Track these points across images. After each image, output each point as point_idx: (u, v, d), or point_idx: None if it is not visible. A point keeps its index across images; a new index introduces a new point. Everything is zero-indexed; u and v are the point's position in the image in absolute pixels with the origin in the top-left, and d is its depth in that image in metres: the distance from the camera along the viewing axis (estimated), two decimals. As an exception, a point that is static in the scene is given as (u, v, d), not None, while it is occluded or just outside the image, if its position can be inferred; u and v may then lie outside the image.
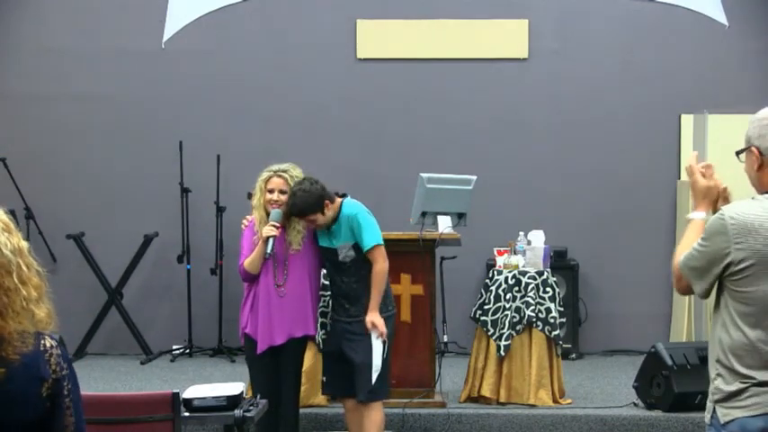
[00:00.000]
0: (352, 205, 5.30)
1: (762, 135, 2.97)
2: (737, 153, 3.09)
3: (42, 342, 2.20)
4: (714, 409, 2.94)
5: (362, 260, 5.25)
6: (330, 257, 5.31)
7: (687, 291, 3.09)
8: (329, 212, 5.22)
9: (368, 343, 5.22)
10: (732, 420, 2.88)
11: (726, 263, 2.90)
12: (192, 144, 8.24)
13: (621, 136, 8.45)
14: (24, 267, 2.20)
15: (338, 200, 5.29)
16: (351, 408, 5.45)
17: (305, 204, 5.12)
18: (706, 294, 3.02)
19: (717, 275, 2.94)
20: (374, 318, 5.21)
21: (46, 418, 2.21)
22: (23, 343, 2.15)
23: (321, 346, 6.04)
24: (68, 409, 2.23)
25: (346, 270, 5.28)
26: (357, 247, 5.23)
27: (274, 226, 5.18)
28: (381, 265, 5.22)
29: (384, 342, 5.24)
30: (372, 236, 5.23)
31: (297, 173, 5.32)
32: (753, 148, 3.00)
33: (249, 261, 5.26)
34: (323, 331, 5.66)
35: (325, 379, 5.47)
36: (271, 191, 5.27)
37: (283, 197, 5.26)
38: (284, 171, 5.30)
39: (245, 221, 5.41)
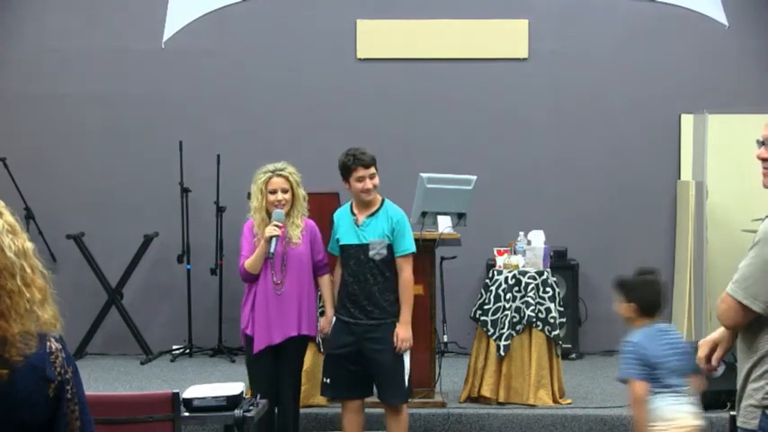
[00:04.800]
0: (397, 208, 5.38)
1: None
2: (761, 142, 3.06)
3: (48, 344, 2.20)
4: (764, 412, 2.91)
5: (390, 261, 5.28)
6: (355, 254, 5.29)
7: (741, 320, 2.98)
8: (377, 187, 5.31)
9: (394, 347, 5.24)
10: None
11: None
12: (192, 144, 8.24)
13: (621, 136, 8.45)
14: (29, 270, 2.19)
15: (378, 194, 5.36)
16: (354, 409, 5.42)
17: (374, 156, 5.29)
18: None
19: None
20: (403, 332, 5.26)
21: (54, 419, 2.21)
22: (26, 345, 2.15)
23: (321, 346, 6.03)
24: (74, 413, 2.23)
25: (372, 269, 5.26)
26: (388, 248, 5.27)
27: (277, 226, 5.19)
28: (410, 273, 5.33)
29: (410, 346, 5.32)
30: (412, 243, 5.35)
31: (292, 169, 5.35)
32: None
33: (250, 262, 5.26)
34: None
35: (328, 381, 5.38)
36: (273, 191, 5.26)
37: (286, 196, 5.26)
38: (282, 169, 5.30)
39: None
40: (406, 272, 5.29)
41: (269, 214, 5.27)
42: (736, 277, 2.98)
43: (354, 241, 5.29)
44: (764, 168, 3.06)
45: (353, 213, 5.34)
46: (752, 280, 2.92)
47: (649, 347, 4.21)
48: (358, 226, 5.29)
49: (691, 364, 4.12)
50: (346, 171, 5.27)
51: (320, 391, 5.63)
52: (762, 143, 3.06)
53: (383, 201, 5.35)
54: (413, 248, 5.33)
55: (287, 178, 5.28)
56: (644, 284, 4.40)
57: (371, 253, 5.24)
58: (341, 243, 5.36)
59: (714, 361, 3.14)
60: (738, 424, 3.00)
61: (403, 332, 5.24)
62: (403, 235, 5.29)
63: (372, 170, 5.26)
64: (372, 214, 5.29)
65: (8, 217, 2.24)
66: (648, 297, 4.35)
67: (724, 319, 3.03)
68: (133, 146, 8.49)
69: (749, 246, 3.00)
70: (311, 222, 5.43)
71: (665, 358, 4.20)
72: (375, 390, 5.44)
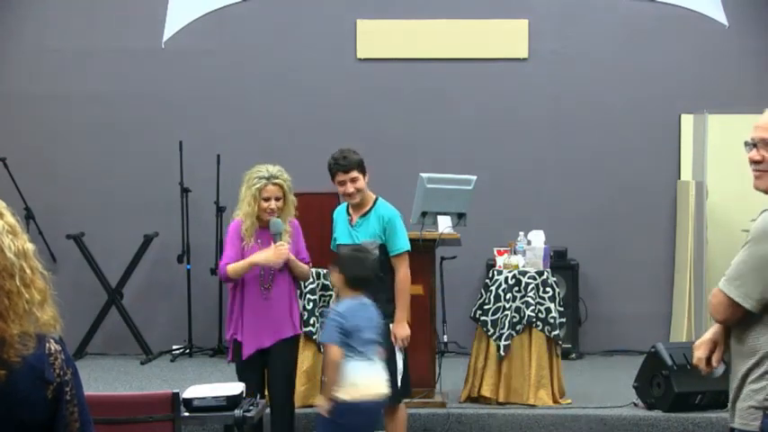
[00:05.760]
0: (389, 206, 5.34)
1: None
2: (752, 144, 3.02)
3: (48, 345, 2.20)
4: (765, 413, 2.87)
5: (384, 262, 5.25)
6: None
7: (730, 316, 2.95)
8: (364, 189, 5.24)
9: (391, 348, 5.22)
10: None
11: None
12: (192, 144, 8.24)
13: (621, 136, 8.45)
14: (28, 270, 2.18)
15: (371, 193, 5.31)
16: None
17: (357, 160, 5.24)
18: (763, 305, 2.90)
19: None
20: (400, 330, 5.24)
21: (54, 420, 2.21)
22: (24, 346, 2.14)
23: (321, 346, 6.01)
24: (73, 414, 2.23)
25: None
26: (381, 248, 5.24)
27: (282, 244, 5.15)
28: (405, 272, 5.29)
29: (405, 348, 5.31)
30: (405, 241, 5.31)
31: (286, 176, 5.28)
32: None
33: (235, 270, 5.18)
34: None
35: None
36: (267, 199, 5.19)
37: (279, 203, 5.20)
38: (278, 177, 5.21)
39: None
40: (401, 271, 5.28)
41: (259, 219, 5.25)
42: (728, 274, 2.97)
43: (348, 241, 5.29)
44: (755, 171, 3.03)
45: (349, 213, 5.35)
46: (744, 278, 2.90)
47: (349, 318, 4.67)
48: (352, 226, 5.29)
49: (381, 337, 4.85)
50: (330, 174, 5.30)
51: (320, 391, 5.62)
52: (753, 145, 3.03)
53: (376, 200, 5.33)
54: (406, 247, 5.30)
55: (281, 186, 5.21)
56: (354, 260, 4.81)
57: None
58: (337, 243, 5.36)
59: (715, 362, 3.10)
60: (735, 426, 2.96)
61: (399, 330, 5.24)
62: (395, 234, 5.26)
63: (353, 174, 5.21)
64: (364, 215, 5.29)
65: (9, 218, 2.24)
66: (356, 272, 4.78)
67: (715, 313, 3.02)
68: (133, 146, 8.49)
69: (742, 243, 2.99)
70: (296, 222, 5.38)
71: (361, 329, 4.64)
72: None
